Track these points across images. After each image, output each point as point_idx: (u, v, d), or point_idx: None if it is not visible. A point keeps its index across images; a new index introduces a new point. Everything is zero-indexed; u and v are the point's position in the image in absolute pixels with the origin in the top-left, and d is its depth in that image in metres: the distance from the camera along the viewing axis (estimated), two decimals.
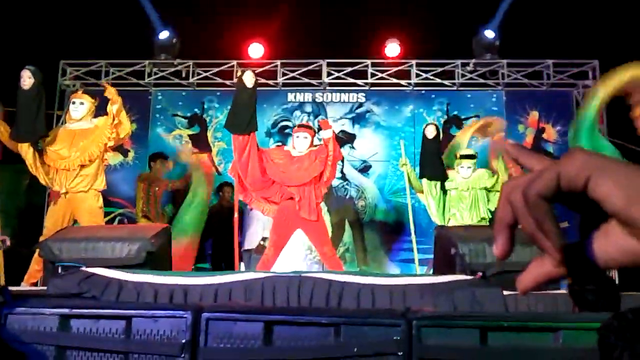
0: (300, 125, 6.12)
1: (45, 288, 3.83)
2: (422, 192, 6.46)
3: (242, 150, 5.63)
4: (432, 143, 6.20)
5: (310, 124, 6.24)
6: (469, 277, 3.86)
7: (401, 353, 2.17)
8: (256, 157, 5.65)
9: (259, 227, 7.48)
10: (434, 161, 6.20)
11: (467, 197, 6.21)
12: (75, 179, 5.57)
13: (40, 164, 5.55)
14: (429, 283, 3.71)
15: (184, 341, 2.23)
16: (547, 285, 3.96)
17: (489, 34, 9.02)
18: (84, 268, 3.82)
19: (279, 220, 5.88)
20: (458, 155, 6.28)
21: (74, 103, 5.86)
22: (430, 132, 6.20)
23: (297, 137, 5.87)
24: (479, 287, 3.61)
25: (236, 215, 6.36)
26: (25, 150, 5.48)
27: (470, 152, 6.29)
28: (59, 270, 4.12)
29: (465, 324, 2.25)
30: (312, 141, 5.87)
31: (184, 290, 3.58)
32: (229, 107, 6.09)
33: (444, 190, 6.23)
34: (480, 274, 4.01)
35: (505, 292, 3.63)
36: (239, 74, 9.24)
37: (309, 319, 2.26)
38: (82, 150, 5.56)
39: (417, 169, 6.50)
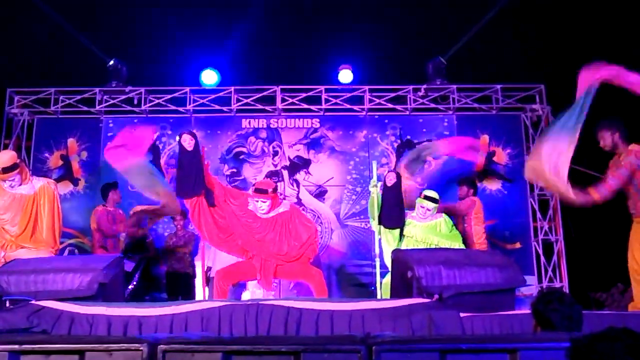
0: (255, 191, 5.62)
1: None
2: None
3: (192, 211, 5.53)
4: (392, 191, 6.02)
5: (267, 184, 5.80)
6: (426, 300, 3.89)
7: None
8: (209, 218, 5.54)
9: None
10: (392, 211, 6.03)
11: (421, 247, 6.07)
12: None
13: None
14: (387, 307, 3.72)
15: None
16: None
17: (439, 61, 9.21)
18: (33, 301, 3.70)
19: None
20: (422, 195, 6.16)
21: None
22: (390, 180, 6.05)
23: (257, 201, 5.56)
24: (436, 310, 3.64)
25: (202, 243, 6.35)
26: None
27: (434, 195, 6.13)
28: (7, 305, 3.97)
29: (425, 347, 2.25)
30: (272, 203, 5.60)
31: (138, 321, 3.50)
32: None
33: (402, 235, 6.10)
34: (436, 296, 4.04)
35: (461, 314, 3.67)
36: (192, 100, 9.22)
37: (268, 348, 2.23)
38: None
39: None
